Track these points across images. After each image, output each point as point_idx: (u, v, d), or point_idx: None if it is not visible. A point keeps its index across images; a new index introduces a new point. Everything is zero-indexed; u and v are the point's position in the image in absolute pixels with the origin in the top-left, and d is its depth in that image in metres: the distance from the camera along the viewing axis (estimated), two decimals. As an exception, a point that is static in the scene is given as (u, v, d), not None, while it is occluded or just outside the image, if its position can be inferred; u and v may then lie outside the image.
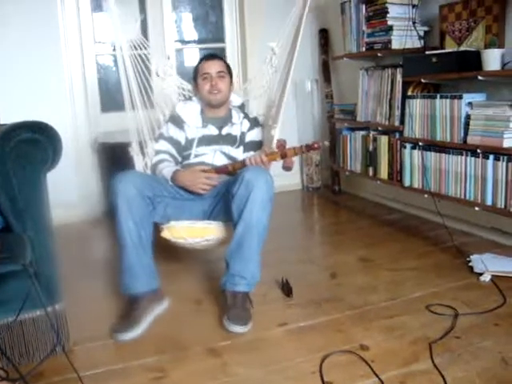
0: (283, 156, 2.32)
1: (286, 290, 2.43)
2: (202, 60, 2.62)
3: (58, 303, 1.90)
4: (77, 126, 3.81)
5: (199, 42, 4.43)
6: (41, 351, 1.89)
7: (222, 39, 4.36)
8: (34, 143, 1.81)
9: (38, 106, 3.45)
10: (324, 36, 4.34)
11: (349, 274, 2.66)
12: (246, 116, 2.66)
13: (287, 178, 4.14)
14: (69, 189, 3.66)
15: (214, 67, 2.55)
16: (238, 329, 2.09)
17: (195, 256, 2.91)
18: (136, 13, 3.99)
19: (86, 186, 3.87)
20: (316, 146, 2.32)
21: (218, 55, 2.70)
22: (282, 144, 2.37)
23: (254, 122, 2.66)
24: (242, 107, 2.70)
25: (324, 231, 3.69)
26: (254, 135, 2.63)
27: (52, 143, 1.86)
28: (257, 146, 2.61)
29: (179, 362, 1.90)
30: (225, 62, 2.64)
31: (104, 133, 3.83)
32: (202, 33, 4.44)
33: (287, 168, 2.30)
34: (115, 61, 4.04)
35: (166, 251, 2.62)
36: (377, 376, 1.73)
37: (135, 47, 2.58)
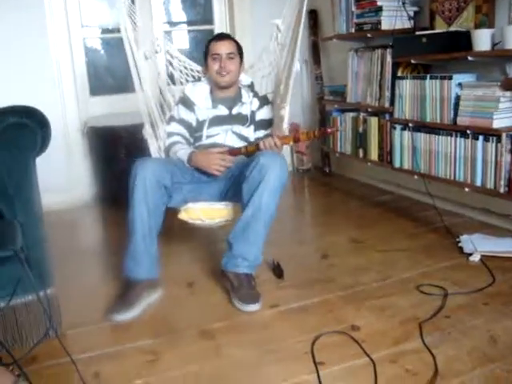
0: (296, 140, 2.31)
1: (278, 272, 2.44)
2: (212, 40, 2.56)
3: (50, 288, 1.91)
4: (66, 110, 3.78)
5: (188, 23, 4.39)
6: (34, 336, 1.90)
7: (210, 21, 4.30)
8: (22, 128, 1.80)
9: (25, 90, 3.42)
10: (313, 17, 4.31)
11: (340, 255, 2.67)
12: (256, 95, 2.63)
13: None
14: (59, 174, 3.65)
15: (223, 48, 2.50)
16: (251, 307, 2.12)
17: (183, 239, 2.92)
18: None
19: (75, 171, 3.86)
20: (329, 130, 2.36)
21: (228, 35, 2.63)
22: (295, 128, 2.36)
23: (264, 101, 2.63)
24: (251, 86, 2.67)
25: (315, 213, 3.71)
26: (263, 114, 2.59)
27: (41, 128, 1.85)
28: (267, 124, 2.58)
29: (173, 344, 1.91)
30: (235, 42, 2.58)
31: (93, 117, 3.81)
32: (190, 15, 4.39)
33: (300, 153, 2.30)
34: (103, 44, 4.02)
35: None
36: (368, 356, 1.75)
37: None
